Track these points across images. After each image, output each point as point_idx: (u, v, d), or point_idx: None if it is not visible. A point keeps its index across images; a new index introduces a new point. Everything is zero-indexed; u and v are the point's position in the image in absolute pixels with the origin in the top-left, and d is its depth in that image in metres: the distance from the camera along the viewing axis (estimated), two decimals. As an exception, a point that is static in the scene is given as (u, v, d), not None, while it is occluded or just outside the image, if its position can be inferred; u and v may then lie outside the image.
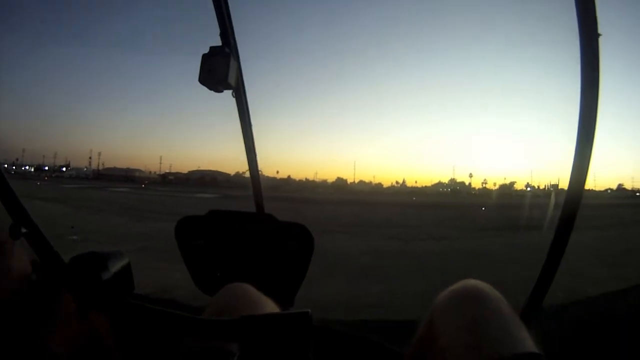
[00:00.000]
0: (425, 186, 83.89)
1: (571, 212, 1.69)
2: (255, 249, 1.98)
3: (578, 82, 1.59)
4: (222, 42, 1.98)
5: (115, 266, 1.06)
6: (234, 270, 1.99)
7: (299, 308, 0.80)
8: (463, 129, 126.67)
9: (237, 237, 2.00)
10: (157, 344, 1.10)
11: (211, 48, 1.82)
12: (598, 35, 1.53)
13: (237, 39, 2.04)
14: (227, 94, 1.92)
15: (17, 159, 77.41)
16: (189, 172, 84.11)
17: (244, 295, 1.26)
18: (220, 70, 1.77)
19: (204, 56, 1.79)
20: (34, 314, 0.97)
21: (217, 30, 1.99)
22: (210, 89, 1.79)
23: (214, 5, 1.96)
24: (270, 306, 1.26)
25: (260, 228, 2.00)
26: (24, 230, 1.70)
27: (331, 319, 1.73)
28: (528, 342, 0.94)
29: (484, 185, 79.74)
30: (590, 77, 1.55)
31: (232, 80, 1.80)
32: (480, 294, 1.08)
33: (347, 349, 1.68)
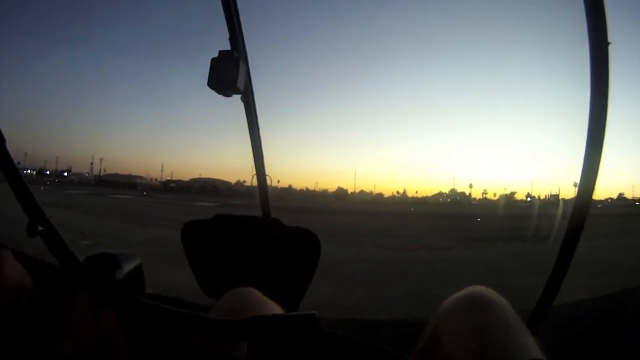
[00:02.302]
0: (426, 196, 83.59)
1: (579, 220, 1.69)
2: (262, 253, 1.98)
3: (584, 91, 1.59)
4: (232, 47, 1.99)
5: (128, 266, 1.07)
6: (239, 275, 1.98)
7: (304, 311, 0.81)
8: (464, 139, 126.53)
9: (243, 242, 2.00)
10: (166, 344, 1.10)
11: (220, 52, 1.83)
12: (608, 43, 1.53)
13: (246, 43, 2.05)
14: (232, 100, 1.92)
15: (19, 163, 77.32)
16: (191, 179, 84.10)
17: (249, 298, 1.26)
18: (229, 74, 1.78)
19: (213, 60, 1.79)
20: (49, 313, 0.98)
21: (227, 35, 2.00)
22: (219, 93, 1.79)
23: (224, 10, 1.97)
24: (275, 310, 1.25)
25: (267, 232, 2.00)
26: (40, 228, 1.71)
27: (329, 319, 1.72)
28: (534, 349, 0.93)
29: (484, 195, 79.52)
30: (600, 86, 1.55)
31: (241, 84, 1.81)
32: (486, 301, 1.07)
33: (351, 353, 1.67)
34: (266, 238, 1.98)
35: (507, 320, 1.01)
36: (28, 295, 1.02)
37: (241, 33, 2.02)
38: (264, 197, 2.25)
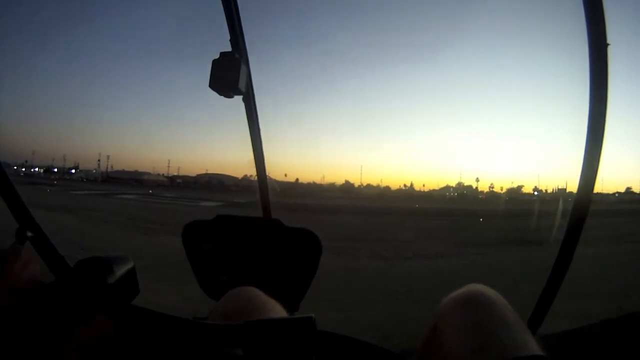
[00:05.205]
0: (433, 190, 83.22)
1: (579, 218, 1.70)
2: (262, 253, 2.00)
3: (587, 89, 1.60)
4: (232, 48, 2.00)
5: (121, 270, 1.06)
6: (240, 275, 2.00)
7: (304, 312, 0.82)
8: (471, 132, 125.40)
9: (244, 242, 2.02)
10: (162, 349, 1.11)
11: (221, 54, 1.83)
12: (607, 44, 1.53)
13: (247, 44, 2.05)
14: (236, 99, 1.93)
15: (26, 161, 77.76)
16: (197, 175, 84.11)
17: (250, 298, 1.28)
18: (231, 75, 1.79)
19: (214, 62, 1.80)
20: (44, 320, 0.98)
21: (228, 36, 2.01)
22: (220, 94, 1.81)
23: (225, 11, 1.97)
24: (276, 310, 1.27)
25: (267, 233, 2.02)
26: (29, 234, 1.72)
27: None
28: (533, 346, 0.95)
29: (491, 189, 79.06)
30: (599, 86, 1.56)
31: (242, 85, 1.82)
32: (485, 299, 1.10)
33: (350, 354, 1.68)
34: (267, 238, 2.00)
35: (506, 318, 1.03)
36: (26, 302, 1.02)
37: (242, 34, 2.03)
38: (264, 197, 2.25)
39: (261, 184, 2.28)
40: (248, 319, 0.86)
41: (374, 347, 1.65)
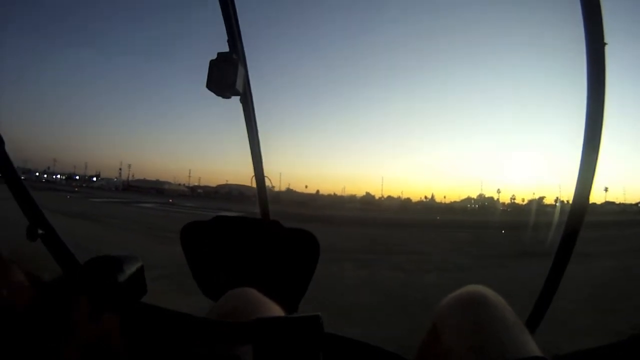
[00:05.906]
0: (454, 201, 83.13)
1: (577, 220, 1.69)
2: (261, 254, 1.98)
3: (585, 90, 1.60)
4: (230, 49, 2.00)
5: (130, 269, 1.07)
6: (239, 276, 1.99)
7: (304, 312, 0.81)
8: (492, 143, 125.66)
9: (242, 243, 2.01)
10: (170, 346, 1.11)
11: (219, 54, 1.84)
12: (604, 44, 1.52)
13: (245, 45, 2.06)
14: (231, 103, 1.93)
15: (48, 167, 79.78)
16: (218, 185, 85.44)
17: (249, 299, 1.27)
18: (228, 76, 1.80)
19: (212, 62, 1.82)
20: (49, 317, 0.98)
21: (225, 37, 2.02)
22: (218, 95, 1.81)
23: (222, 12, 1.98)
24: (275, 310, 1.26)
25: (266, 234, 2.01)
26: (40, 231, 1.73)
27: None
28: (532, 346, 0.95)
29: (512, 200, 78.66)
30: (596, 86, 1.56)
31: (239, 86, 1.82)
32: (484, 299, 1.09)
33: (353, 355, 1.67)
34: (265, 239, 1.99)
35: (504, 318, 1.04)
36: (27, 300, 1.02)
37: (239, 35, 2.04)
38: (262, 198, 2.26)
39: (259, 186, 2.28)
40: (247, 319, 0.86)
41: (376, 349, 1.66)
